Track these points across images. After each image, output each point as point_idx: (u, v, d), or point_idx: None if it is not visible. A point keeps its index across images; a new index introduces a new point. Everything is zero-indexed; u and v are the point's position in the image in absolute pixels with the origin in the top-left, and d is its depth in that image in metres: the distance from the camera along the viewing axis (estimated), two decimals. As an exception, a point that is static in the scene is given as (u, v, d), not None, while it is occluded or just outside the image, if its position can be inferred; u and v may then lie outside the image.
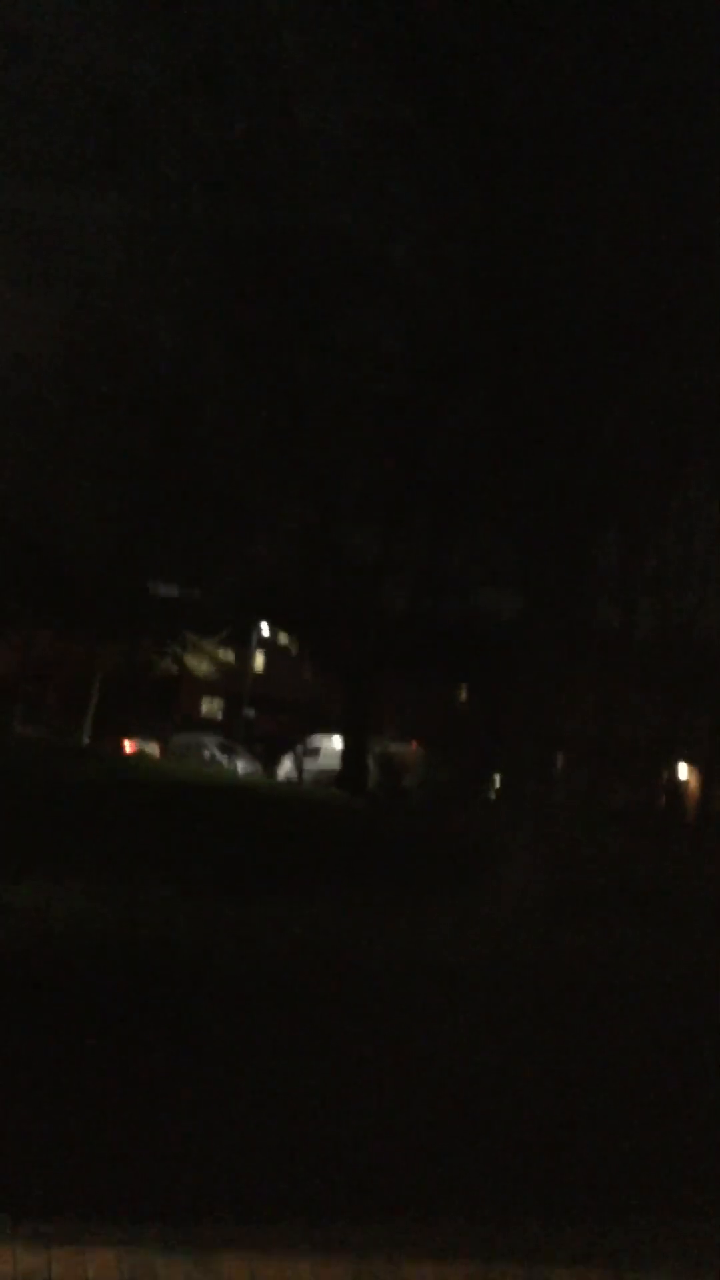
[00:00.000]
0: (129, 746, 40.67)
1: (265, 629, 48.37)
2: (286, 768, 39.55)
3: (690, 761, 38.71)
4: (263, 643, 52.07)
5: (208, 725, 50.27)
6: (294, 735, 41.64)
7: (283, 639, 48.94)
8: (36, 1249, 3.96)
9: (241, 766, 39.35)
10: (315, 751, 39.01)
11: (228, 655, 50.64)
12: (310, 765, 38.36)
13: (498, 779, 31.56)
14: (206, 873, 10.88)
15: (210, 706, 55.39)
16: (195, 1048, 4.83)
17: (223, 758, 40.52)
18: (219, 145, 12.72)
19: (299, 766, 38.36)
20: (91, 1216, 4.19)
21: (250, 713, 51.62)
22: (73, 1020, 4.79)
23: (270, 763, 41.25)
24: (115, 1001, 4.92)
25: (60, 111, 13.16)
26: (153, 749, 41.23)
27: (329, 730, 38.01)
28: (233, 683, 51.81)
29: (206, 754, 40.77)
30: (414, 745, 37.76)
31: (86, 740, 41.14)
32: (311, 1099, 4.91)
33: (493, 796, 31.44)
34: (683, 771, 39.43)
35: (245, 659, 52.01)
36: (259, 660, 53.95)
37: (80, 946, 5.24)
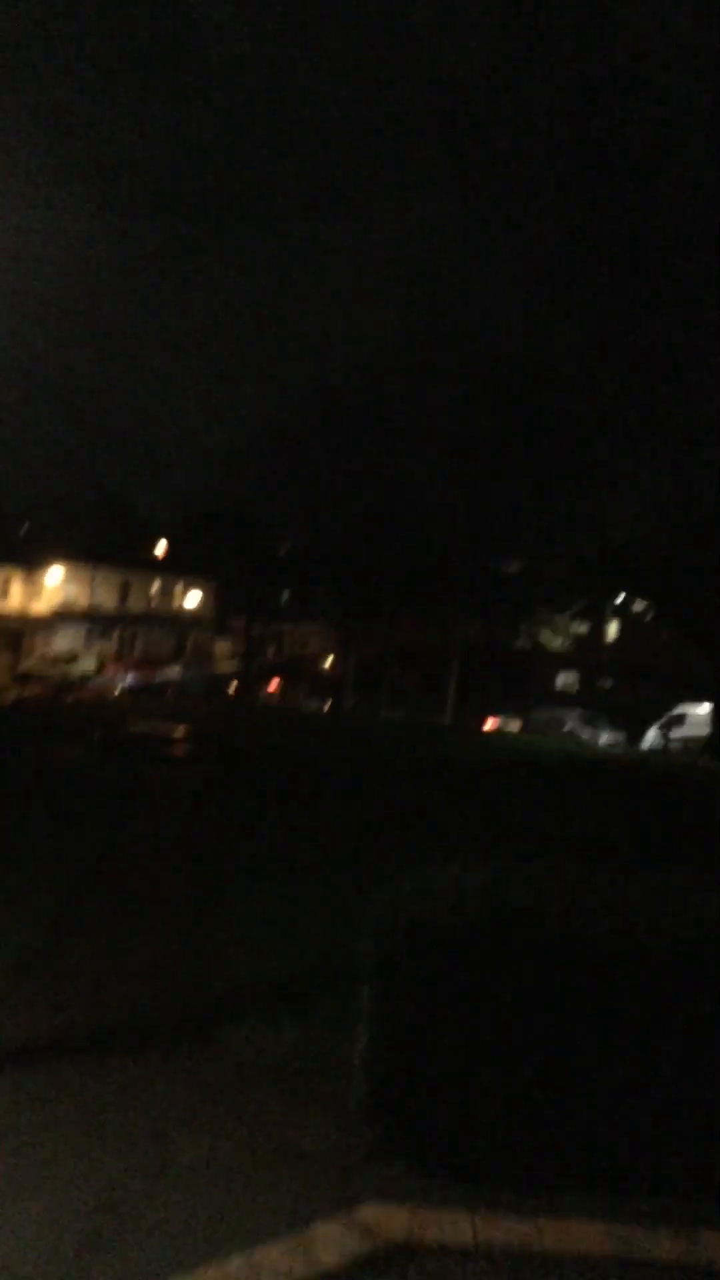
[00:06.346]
0: (490, 724, 41.22)
1: (620, 599, 47.49)
2: (651, 737, 38.69)
3: None
4: (618, 612, 51.07)
5: (566, 698, 49.91)
6: (657, 703, 40.66)
7: (638, 607, 47.84)
8: (526, 1220, 4.05)
9: (604, 738, 38.86)
10: (680, 719, 38.00)
11: (581, 627, 50.15)
12: (677, 733, 37.38)
13: None
14: (605, 847, 10.80)
15: (567, 679, 54.97)
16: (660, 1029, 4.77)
17: (584, 730, 40.20)
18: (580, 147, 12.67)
19: (665, 736, 37.44)
20: (579, 1190, 4.25)
21: (608, 683, 50.89)
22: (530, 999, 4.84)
23: (633, 733, 40.42)
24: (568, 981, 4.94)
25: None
26: (513, 725, 41.58)
27: (698, 698, 36.84)
28: (589, 654, 51.28)
29: (566, 727, 40.59)
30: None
31: (449, 720, 42.05)
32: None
33: None
34: None
35: (600, 630, 51.32)
36: (614, 630, 53.03)
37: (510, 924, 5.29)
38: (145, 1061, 5.75)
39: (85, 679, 50.17)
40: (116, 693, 46.68)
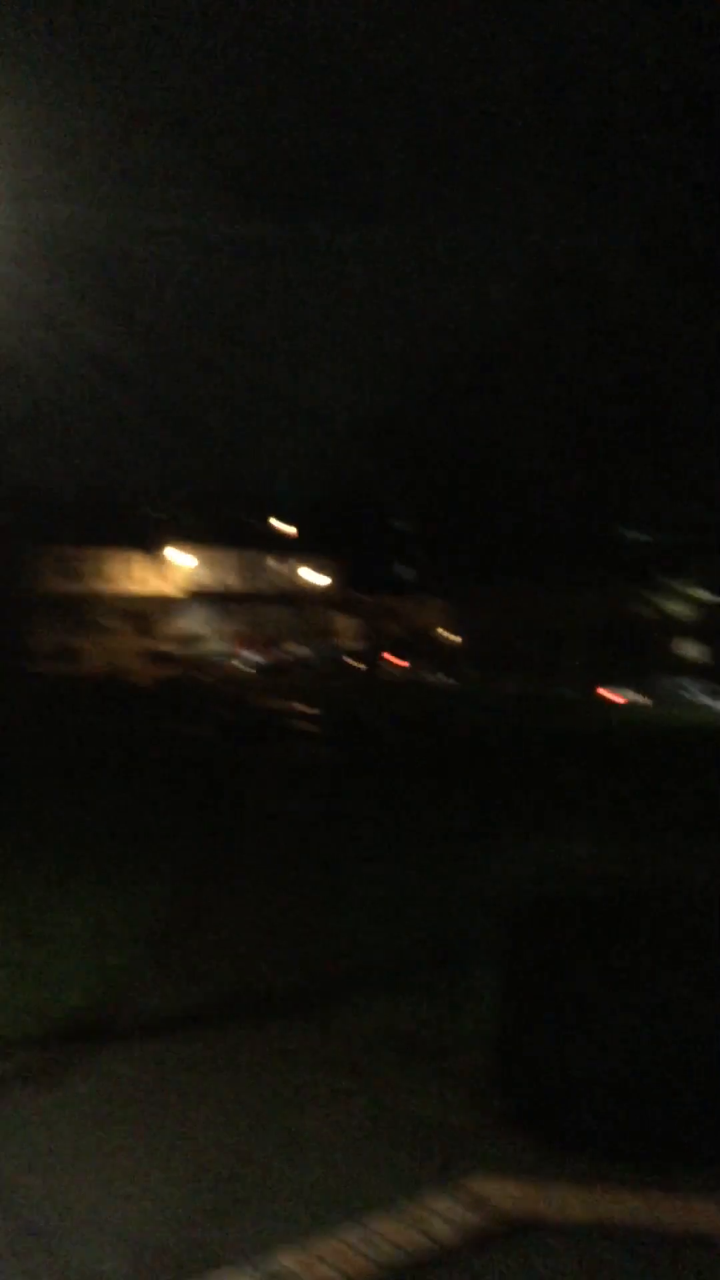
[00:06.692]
0: (613, 696, 40.62)
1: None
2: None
3: None
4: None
5: (689, 668, 48.80)
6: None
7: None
8: (645, 1197, 4.04)
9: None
10: None
11: (705, 594, 48.89)
12: None
13: None
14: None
15: (691, 649, 53.70)
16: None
17: (710, 701, 39.38)
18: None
19: None
20: (692, 1166, 4.21)
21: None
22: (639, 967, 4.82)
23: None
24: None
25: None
26: (634, 696, 40.86)
27: None
28: (715, 622, 49.96)
29: (689, 697, 39.81)
30: None
31: (569, 691, 41.56)
32: None
33: None
34: None
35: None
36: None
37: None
38: (269, 1032, 5.88)
39: (217, 658, 51.00)
40: (250, 671, 47.34)
